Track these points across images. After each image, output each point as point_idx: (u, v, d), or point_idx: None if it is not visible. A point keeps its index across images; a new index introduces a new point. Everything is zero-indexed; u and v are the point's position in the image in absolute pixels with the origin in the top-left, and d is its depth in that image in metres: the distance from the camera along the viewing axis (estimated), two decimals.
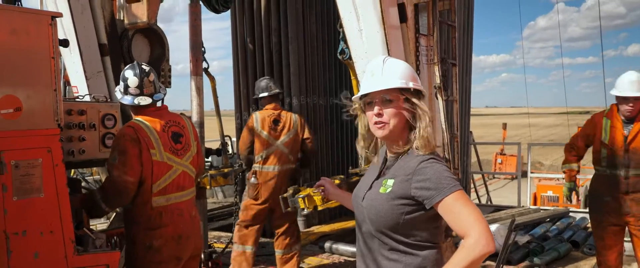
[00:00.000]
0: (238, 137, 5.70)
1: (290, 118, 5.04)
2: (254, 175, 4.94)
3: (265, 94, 5.05)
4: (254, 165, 4.96)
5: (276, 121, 4.95)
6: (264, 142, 4.91)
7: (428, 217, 1.84)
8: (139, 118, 3.18)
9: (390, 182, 1.88)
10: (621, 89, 4.32)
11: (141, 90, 3.18)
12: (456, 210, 1.74)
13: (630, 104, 4.29)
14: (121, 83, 3.22)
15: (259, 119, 4.94)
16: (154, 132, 3.12)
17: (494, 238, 1.72)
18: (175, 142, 3.23)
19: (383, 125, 1.88)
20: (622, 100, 4.35)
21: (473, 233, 1.69)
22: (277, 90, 5.08)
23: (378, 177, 1.97)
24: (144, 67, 3.24)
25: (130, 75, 3.18)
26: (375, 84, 1.89)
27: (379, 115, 1.88)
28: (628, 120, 4.39)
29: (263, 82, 5.15)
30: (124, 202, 3.08)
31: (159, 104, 3.30)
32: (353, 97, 2.02)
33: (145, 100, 3.18)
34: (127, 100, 3.19)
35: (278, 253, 5.12)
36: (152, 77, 3.23)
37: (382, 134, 1.90)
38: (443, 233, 1.97)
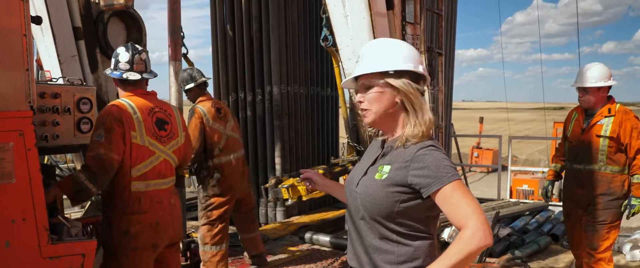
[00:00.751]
0: None
1: (222, 104, 4.97)
2: (216, 170, 4.68)
3: (192, 85, 4.82)
4: (214, 159, 4.69)
5: (219, 110, 4.80)
6: (217, 133, 4.71)
7: (424, 207, 1.76)
8: (125, 98, 3.12)
9: (387, 168, 1.80)
10: (575, 82, 4.44)
11: (131, 66, 3.15)
12: (454, 201, 1.67)
13: (580, 94, 4.40)
14: (112, 60, 3.19)
15: (206, 111, 4.70)
16: (137, 114, 3.06)
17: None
18: (160, 129, 3.18)
19: (365, 111, 1.83)
20: (578, 91, 4.45)
21: (471, 224, 1.62)
22: (204, 79, 4.88)
23: (374, 163, 1.90)
24: (137, 46, 3.22)
25: (121, 51, 3.17)
26: (358, 69, 1.86)
27: (361, 101, 1.85)
28: (590, 113, 4.41)
29: (186, 72, 4.88)
30: (108, 181, 2.98)
31: (149, 88, 3.27)
32: (342, 83, 1.96)
33: (134, 76, 3.14)
34: (115, 74, 3.15)
35: (247, 237, 5.05)
36: (145, 56, 3.21)
37: (366, 121, 1.86)
38: (437, 224, 1.90)
